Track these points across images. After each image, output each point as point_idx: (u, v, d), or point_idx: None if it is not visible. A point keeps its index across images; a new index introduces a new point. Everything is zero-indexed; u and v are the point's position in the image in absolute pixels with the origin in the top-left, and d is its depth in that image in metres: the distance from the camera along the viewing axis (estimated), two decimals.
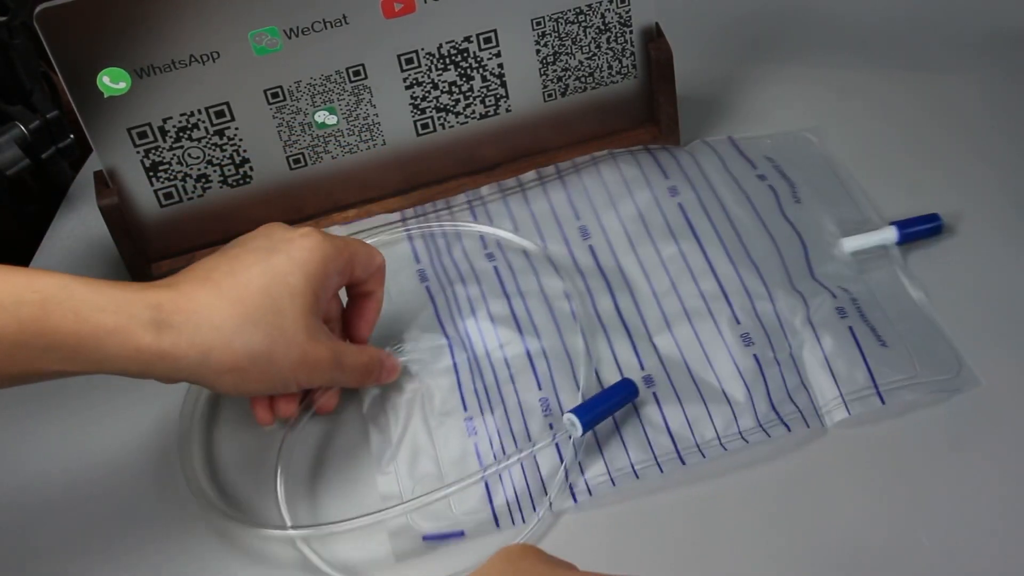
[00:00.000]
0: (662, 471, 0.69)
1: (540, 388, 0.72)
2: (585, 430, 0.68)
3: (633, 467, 0.69)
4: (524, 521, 0.67)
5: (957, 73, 0.88)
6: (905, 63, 0.90)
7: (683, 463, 0.69)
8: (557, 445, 0.69)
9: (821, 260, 0.77)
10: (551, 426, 0.70)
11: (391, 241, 0.81)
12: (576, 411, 0.68)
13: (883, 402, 0.70)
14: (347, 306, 0.74)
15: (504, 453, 0.69)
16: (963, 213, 0.79)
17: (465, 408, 0.72)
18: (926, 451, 0.68)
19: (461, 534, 0.67)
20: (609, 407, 0.69)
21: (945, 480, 0.67)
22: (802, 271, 0.76)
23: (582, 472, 0.69)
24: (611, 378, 0.73)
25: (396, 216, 0.83)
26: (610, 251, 0.80)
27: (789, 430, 0.69)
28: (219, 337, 0.63)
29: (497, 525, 0.67)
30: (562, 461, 0.68)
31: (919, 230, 0.77)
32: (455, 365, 0.74)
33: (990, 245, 0.77)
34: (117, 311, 0.61)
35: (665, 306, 0.76)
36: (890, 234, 0.77)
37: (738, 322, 0.74)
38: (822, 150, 0.84)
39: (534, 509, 0.68)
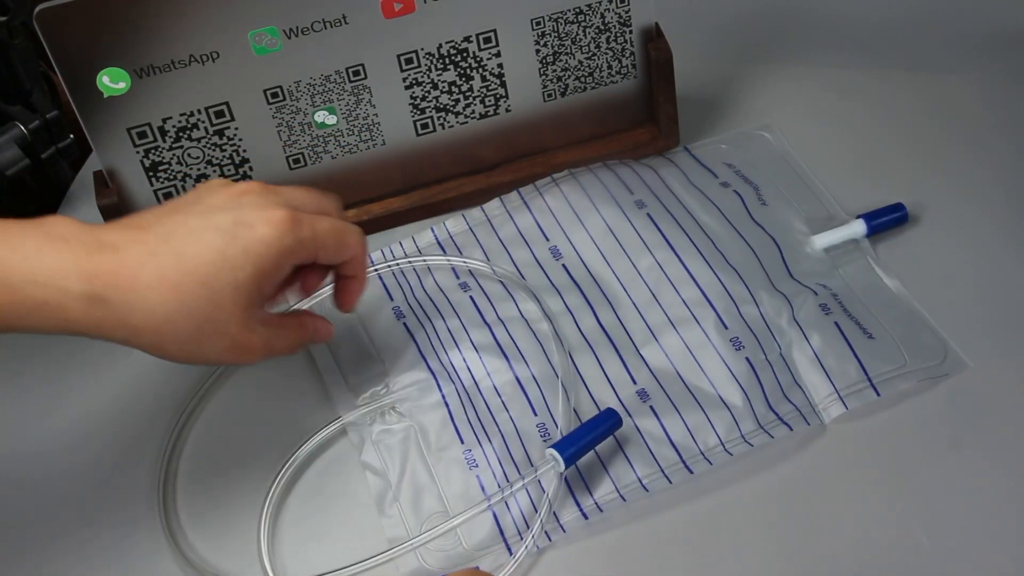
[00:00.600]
0: (671, 482, 0.69)
1: (536, 414, 0.72)
2: (568, 464, 0.67)
3: (641, 481, 0.69)
4: (538, 548, 0.67)
5: (954, 73, 0.90)
6: (897, 62, 0.91)
7: (690, 472, 0.69)
8: (541, 481, 0.68)
9: (796, 259, 0.77)
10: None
11: None
12: (558, 446, 0.67)
13: (878, 394, 0.70)
14: (334, 278, 0.71)
15: (508, 482, 0.69)
16: (924, 202, 0.80)
17: (462, 440, 0.72)
18: (925, 438, 0.69)
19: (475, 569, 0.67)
20: (592, 439, 0.68)
21: (947, 465, 0.68)
22: (780, 272, 0.76)
23: (590, 492, 0.68)
24: (603, 395, 0.73)
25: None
26: (585, 269, 0.79)
27: (791, 429, 0.69)
28: (149, 321, 0.61)
29: (511, 554, 0.67)
30: (546, 494, 0.68)
31: (886, 220, 0.78)
32: (444, 398, 0.73)
33: (954, 230, 0.79)
34: (48, 283, 0.59)
35: (649, 318, 0.76)
36: (859, 227, 0.78)
37: (726, 327, 0.74)
38: (779, 147, 0.85)
39: (548, 538, 0.67)
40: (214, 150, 0.79)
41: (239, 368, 0.77)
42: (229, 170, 0.80)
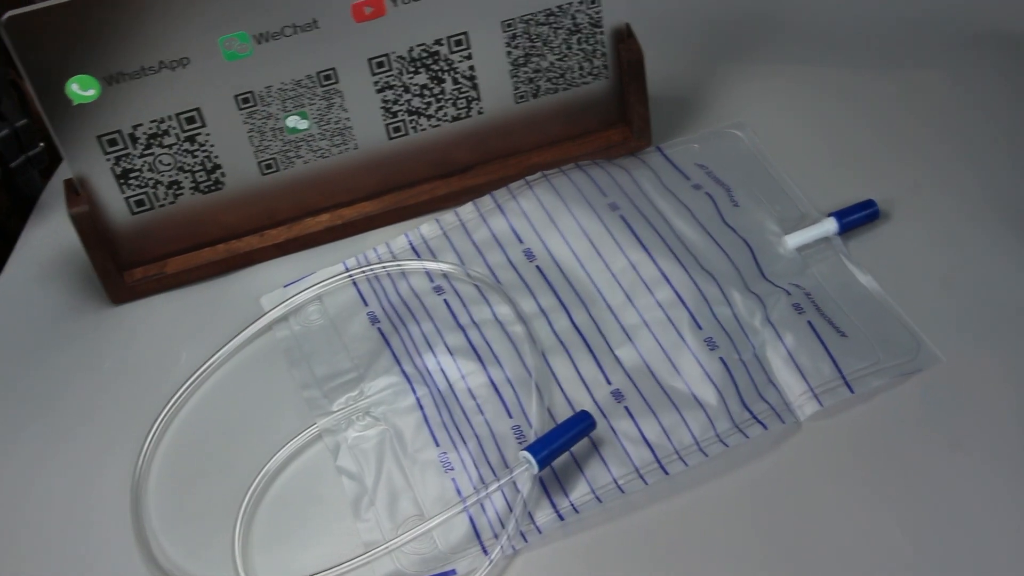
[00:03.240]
0: (646, 483, 0.68)
1: (510, 416, 0.72)
2: (542, 466, 0.67)
3: (616, 482, 0.69)
4: (514, 549, 0.67)
5: (925, 69, 0.90)
6: (867, 59, 0.91)
7: (666, 473, 0.69)
8: (517, 483, 0.68)
9: (769, 260, 0.77)
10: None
11: (336, 289, 0.81)
12: (532, 448, 0.67)
13: (852, 391, 0.70)
14: None
15: (484, 484, 0.68)
16: (896, 198, 0.80)
17: (437, 443, 0.71)
18: (900, 433, 0.69)
19: (452, 572, 0.66)
20: (565, 442, 0.68)
21: (922, 460, 0.67)
22: (753, 273, 0.77)
23: (565, 493, 0.68)
24: (578, 397, 0.73)
25: (339, 267, 0.82)
26: (558, 270, 0.79)
27: (766, 428, 0.69)
28: None
29: (487, 555, 0.66)
30: (520, 496, 0.68)
31: (857, 217, 0.79)
32: (418, 401, 0.73)
33: (925, 225, 0.79)
34: None
35: (623, 319, 0.76)
36: (831, 225, 0.78)
37: (699, 327, 0.74)
38: (750, 145, 0.85)
39: (524, 539, 0.67)
40: (185, 156, 0.79)
41: (212, 375, 0.77)
42: (201, 176, 0.80)
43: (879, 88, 0.88)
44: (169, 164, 0.79)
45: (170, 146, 0.78)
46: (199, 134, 0.78)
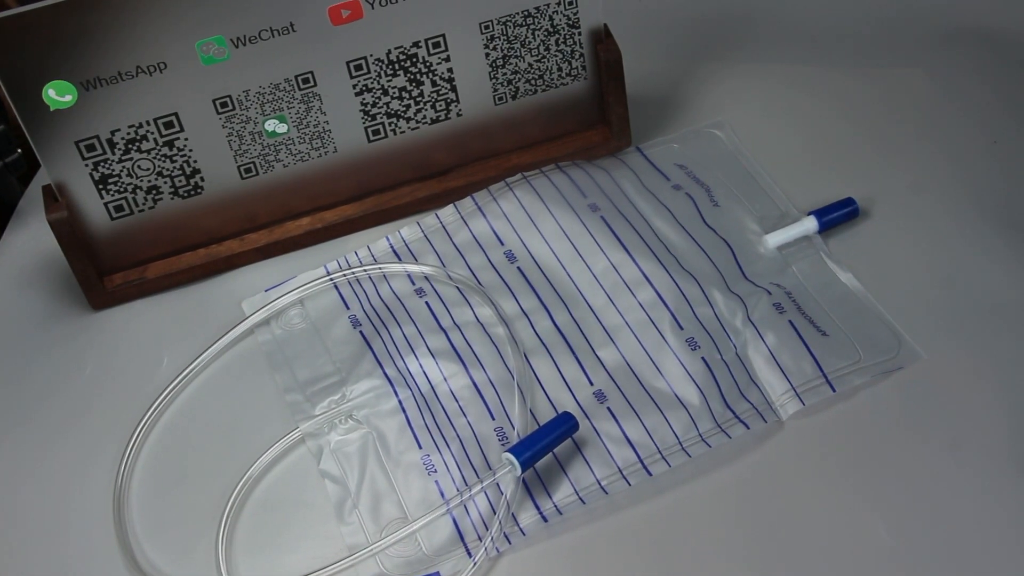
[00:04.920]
0: (629, 484, 0.69)
1: (493, 418, 0.72)
2: (525, 468, 0.67)
3: (600, 483, 0.69)
4: (498, 551, 0.67)
5: (903, 67, 0.90)
6: (846, 57, 0.91)
7: (649, 473, 0.69)
8: (500, 485, 0.68)
9: (749, 260, 0.77)
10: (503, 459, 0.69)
11: (318, 293, 0.81)
12: (514, 450, 0.67)
13: (834, 390, 0.70)
14: None
15: (467, 486, 0.68)
16: (875, 195, 0.80)
17: (420, 446, 0.71)
18: (882, 431, 0.69)
19: (436, 575, 0.66)
20: (548, 443, 0.68)
21: (904, 457, 0.68)
22: (734, 273, 0.77)
23: (549, 494, 0.68)
24: (560, 398, 0.73)
25: (320, 271, 0.82)
26: (540, 272, 0.79)
27: (748, 428, 0.70)
28: None
29: (471, 557, 0.66)
30: (504, 497, 0.68)
31: (837, 216, 0.79)
32: (401, 404, 0.73)
33: (905, 222, 0.79)
34: None
35: (605, 319, 0.76)
36: (810, 224, 0.78)
37: (681, 327, 0.74)
38: (730, 145, 0.85)
39: (508, 540, 0.67)
40: (164, 161, 0.78)
41: (194, 380, 0.77)
42: (180, 181, 0.80)
43: (858, 86, 0.89)
44: (148, 169, 0.78)
45: (149, 151, 0.78)
46: (177, 139, 0.78)
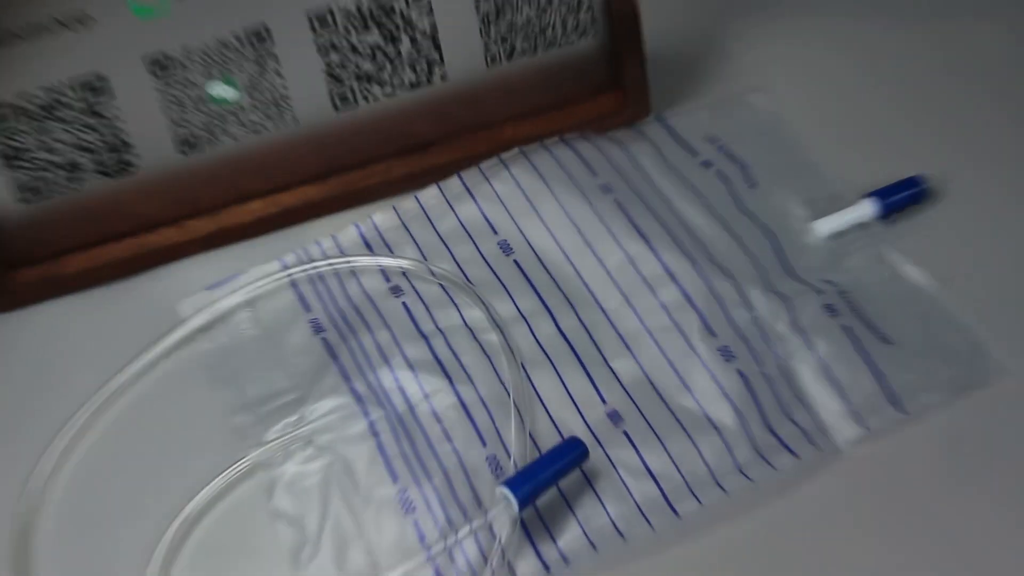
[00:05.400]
0: (651, 525, 0.64)
1: (484, 444, 0.67)
2: (523, 507, 0.63)
3: (614, 523, 0.64)
4: None
5: (979, 19, 0.85)
6: (909, 9, 0.87)
7: (675, 512, 0.64)
8: (493, 527, 0.63)
9: (795, 252, 0.74)
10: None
11: (272, 292, 0.77)
12: (511, 483, 0.63)
13: (901, 410, 0.66)
14: None
15: (452, 528, 0.64)
16: (947, 174, 0.76)
17: (395, 479, 0.66)
18: (960, 464, 0.64)
19: None
20: (553, 474, 0.64)
21: (992, 497, 0.62)
22: (776, 267, 0.74)
23: (552, 538, 0.63)
24: (566, 419, 0.68)
25: (275, 265, 0.78)
26: (541, 266, 0.75)
27: (796, 456, 0.65)
28: None
29: None
30: (497, 542, 0.62)
31: (901, 198, 0.75)
32: (372, 427, 0.68)
33: (984, 207, 0.75)
34: None
35: (620, 324, 0.71)
36: (869, 208, 0.75)
37: (712, 334, 0.70)
38: (770, 114, 0.82)
39: None
40: (87, 133, 0.74)
41: (119, 399, 0.72)
42: (106, 156, 0.75)
43: (924, 44, 0.85)
44: (67, 142, 0.74)
45: (68, 120, 0.74)
46: (104, 106, 0.74)
